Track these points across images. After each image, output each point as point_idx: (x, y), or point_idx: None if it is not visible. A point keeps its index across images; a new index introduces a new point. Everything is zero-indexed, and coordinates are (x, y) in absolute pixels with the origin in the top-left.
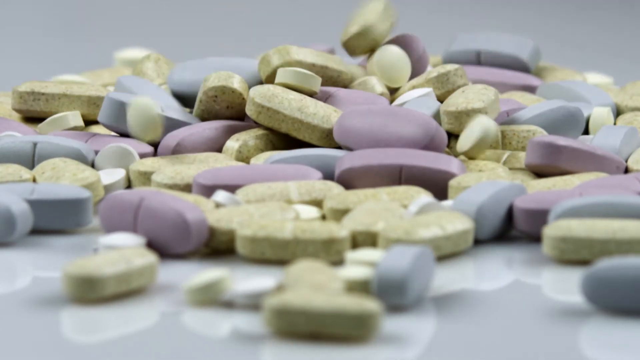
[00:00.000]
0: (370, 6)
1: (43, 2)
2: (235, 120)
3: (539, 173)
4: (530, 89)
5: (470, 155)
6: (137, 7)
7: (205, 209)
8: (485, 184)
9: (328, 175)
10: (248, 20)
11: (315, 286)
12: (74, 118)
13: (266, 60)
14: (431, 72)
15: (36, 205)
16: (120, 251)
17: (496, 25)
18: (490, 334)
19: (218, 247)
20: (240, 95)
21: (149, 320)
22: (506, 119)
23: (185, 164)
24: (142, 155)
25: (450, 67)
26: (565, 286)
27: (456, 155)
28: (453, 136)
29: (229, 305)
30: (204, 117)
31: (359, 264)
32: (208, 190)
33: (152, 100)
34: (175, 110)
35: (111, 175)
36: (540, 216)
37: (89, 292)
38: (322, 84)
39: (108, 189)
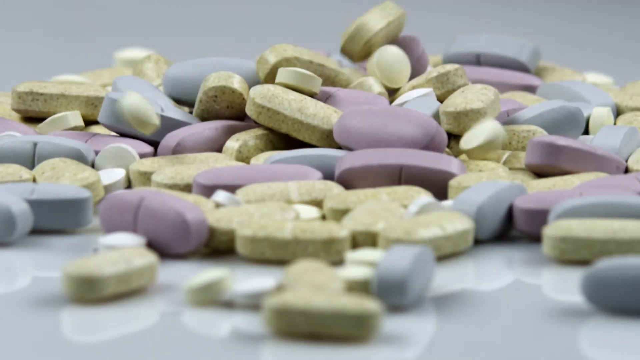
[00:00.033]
0: (370, 10)
1: (43, 2)
2: (235, 120)
3: (539, 173)
4: (531, 89)
5: (471, 155)
6: (137, 7)
7: (205, 209)
8: (485, 184)
9: (328, 175)
10: (248, 21)
11: (315, 286)
12: (74, 118)
13: (263, 59)
14: (431, 72)
15: (36, 205)
16: (120, 251)
17: (496, 25)
18: (490, 334)
19: (218, 247)
20: (240, 95)
21: (149, 320)
22: (506, 119)
23: (185, 164)
24: (142, 155)
25: (450, 67)
26: (565, 286)
27: (456, 155)
28: (453, 136)
29: (229, 305)
30: (204, 117)
31: (359, 264)
32: (208, 190)
33: (137, 95)
34: (175, 111)
35: (111, 175)
36: (540, 216)
37: (89, 292)
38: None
39: (108, 189)
